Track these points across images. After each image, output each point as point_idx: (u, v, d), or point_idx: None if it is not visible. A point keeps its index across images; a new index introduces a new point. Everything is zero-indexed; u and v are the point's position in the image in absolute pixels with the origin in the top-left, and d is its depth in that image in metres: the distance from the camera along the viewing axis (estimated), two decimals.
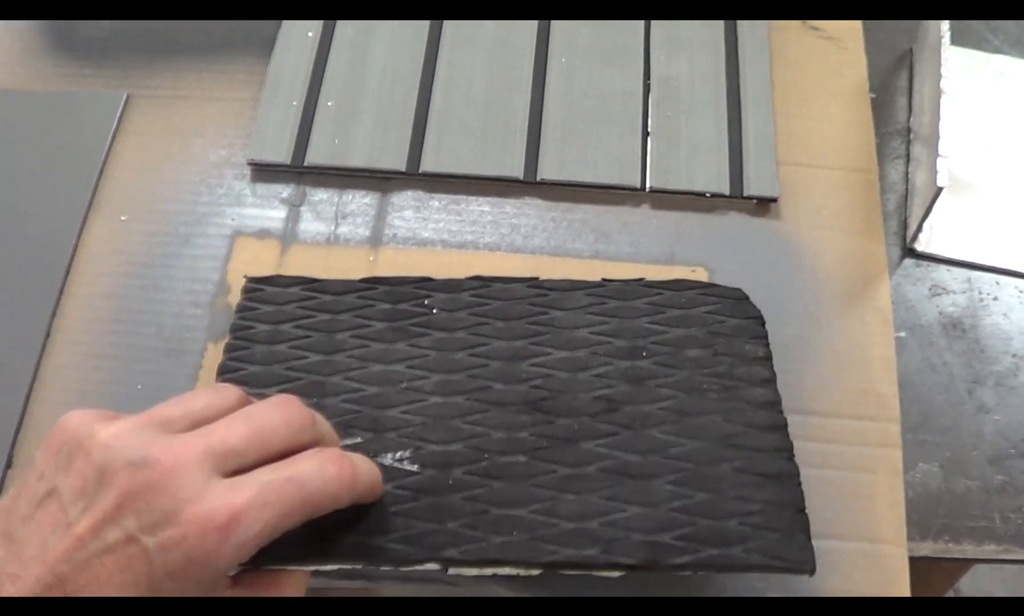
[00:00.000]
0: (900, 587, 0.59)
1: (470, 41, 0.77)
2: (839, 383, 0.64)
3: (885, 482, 0.61)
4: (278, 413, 0.48)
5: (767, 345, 0.62)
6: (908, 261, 0.70)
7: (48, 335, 0.66)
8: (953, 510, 0.62)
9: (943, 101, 0.67)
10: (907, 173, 0.73)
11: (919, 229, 0.69)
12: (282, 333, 0.63)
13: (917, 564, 0.75)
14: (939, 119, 0.66)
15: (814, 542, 0.57)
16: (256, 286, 0.66)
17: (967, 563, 0.97)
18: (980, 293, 0.68)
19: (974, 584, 1.55)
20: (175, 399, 0.49)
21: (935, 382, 0.66)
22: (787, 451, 0.58)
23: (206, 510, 0.43)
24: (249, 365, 0.62)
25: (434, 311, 0.64)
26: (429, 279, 0.66)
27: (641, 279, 0.66)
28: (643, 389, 0.60)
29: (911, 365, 0.66)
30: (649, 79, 0.75)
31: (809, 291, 0.67)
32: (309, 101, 0.74)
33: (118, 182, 0.73)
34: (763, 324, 0.63)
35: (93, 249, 0.70)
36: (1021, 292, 0.68)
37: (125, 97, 0.76)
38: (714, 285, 0.65)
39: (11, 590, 0.43)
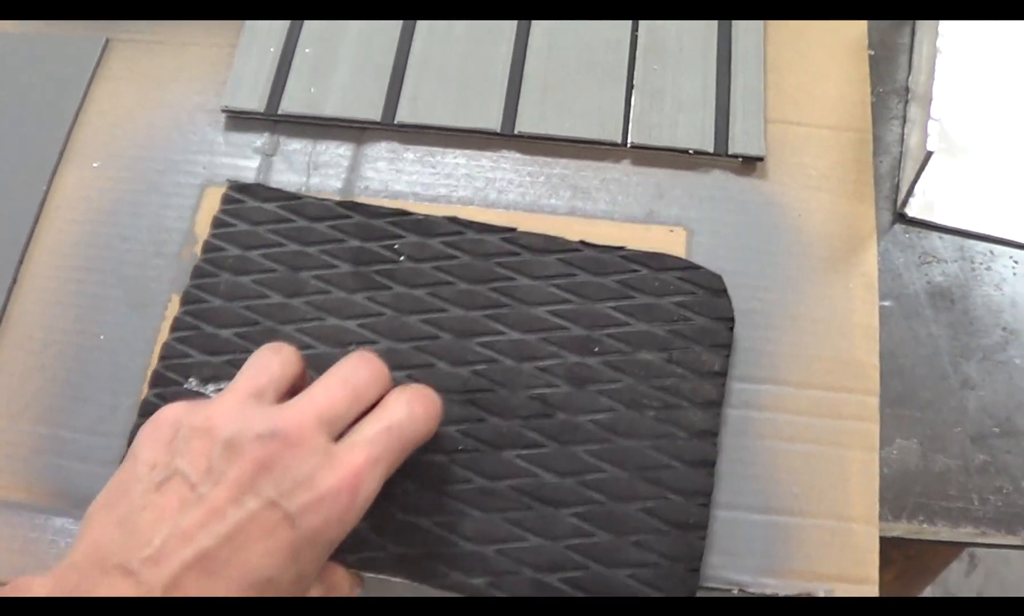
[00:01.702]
0: (868, 568, 0.57)
1: None
2: (817, 352, 0.62)
3: (859, 458, 0.59)
4: (366, 371, 0.51)
5: (726, 357, 0.61)
6: (898, 227, 0.67)
7: (15, 282, 0.66)
8: (929, 489, 0.60)
9: (940, 61, 0.64)
10: (903, 134, 0.70)
11: (910, 193, 0.66)
12: (250, 261, 0.64)
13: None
14: (934, 78, 0.63)
15: (780, 518, 0.57)
16: (236, 196, 0.67)
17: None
18: (972, 262, 0.66)
19: (991, 549, 1.53)
20: (254, 368, 0.51)
21: (919, 354, 0.63)
22: (704, 496, 0.57)
23: (338, 474, 0.46)
24: (213, 298, 0.63)
25: (401, 258, 0.64)
26: (406, 213, 0.65)
27: (621, 248, 0.64)
28: (583, 394, 0.60)
29: (895, 336, 0.63)
30: (637, 30, 0.73)
31: (791, 254, 0.65)
32: (287, 47, 0.72)
33: (92, 128, 0.72)
34: (731, 328, 0.61)
35: (63, 195, 0.69)
36: (1016, 262, 0.66)
37: (104, 41, 0.75)
38: (695, 268, 0.63)
39: (150, 573, 0.42)
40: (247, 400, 0.48)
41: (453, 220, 0.65)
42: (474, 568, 0.55)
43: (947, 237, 0.67)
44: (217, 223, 0.65)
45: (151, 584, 0.42)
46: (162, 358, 0.62)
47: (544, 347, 0.61)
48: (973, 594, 1.51)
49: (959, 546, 0.89)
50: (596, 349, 0.61)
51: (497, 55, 0.72)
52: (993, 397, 0.62)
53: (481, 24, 0.73)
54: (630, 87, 0.70)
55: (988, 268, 0.65)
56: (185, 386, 0.60)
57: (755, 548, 0.57)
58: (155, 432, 0.48)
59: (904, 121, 0.71)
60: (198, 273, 0.64)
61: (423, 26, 0.73)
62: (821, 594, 0.56)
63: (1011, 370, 0.62)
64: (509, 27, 0.73)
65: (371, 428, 0.49)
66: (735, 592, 0.57)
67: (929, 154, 0.61)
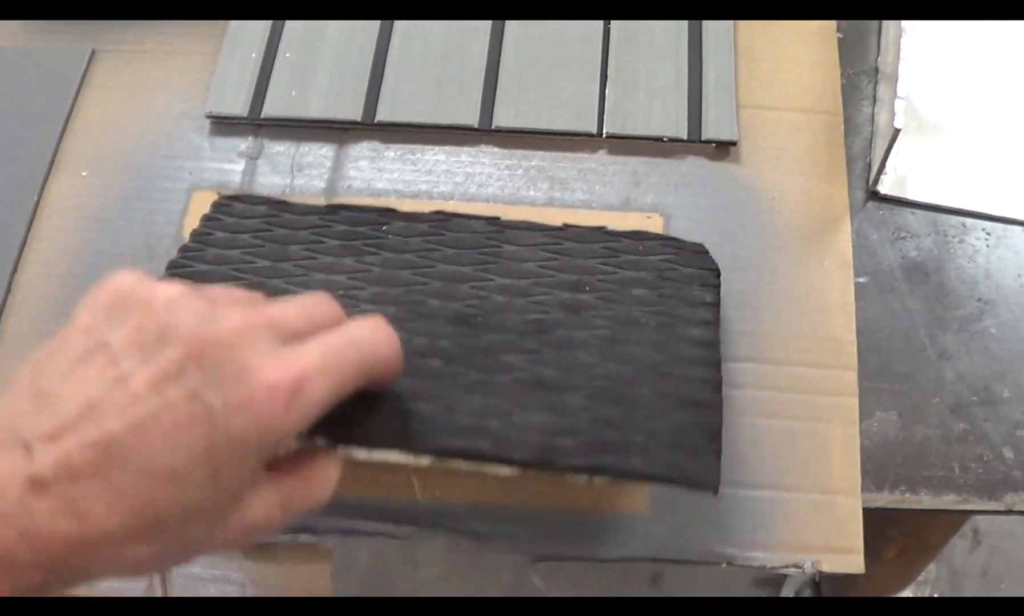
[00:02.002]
0: (852, 539, 0.58)
1: None
2: (796, 330, 0.63)
3: (840, 431, 0.61)
4: (324, 306, 0.47)
5: (717, 293, 0.61)
6: (871, 204, 0.68)
7: (9, 291, 0.67)
8: (911, 460, 0.61)
9: (905, 39, 0.65)
10: (873, 114, 0.71)
11: (881, 171, 0.67)
12: (238, 240, 0.64)
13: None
14: (900, 58, 0.65)
15: (765, 492, 0.58)
16: (225, 202, 0.67)
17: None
18: (945, 236, 0.67)
19: (995, 522, 1.54)
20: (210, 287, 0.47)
21: (895, 328, 0.64)
22: (714, 384, 0.56)
23: (276, 373, 0.42)
24: (198, 263, 0.62)
25: (389, 236, 0.64)
26: (392, 210, 0.66)
27: (603, 228, 0.65)
28: (578, 318, 0.59)
29: (871, 311, 0.65)
30: (609, 23, 0.74)
31: (767, 236, 0.66)
32: (268, 53, 0.74)
33: (81, 137, 0.73)
34: (717, 276, 0.62)
35: (54, 204, 0.70)
36: (988, 235, 0.67)
37: (91, 52, 0.76)
38: (675, 239, 0.64)
39: (45, 451, 0.39)
40: (201, 296, 0.44)
41: (439, 212, 0.66)
42: (477, 435, 0.51)
43: (920, 212, 0.68)
44: (206, 218, 0.66)
45: (41, 462, 0.39)
46: None
47: (534, 288, 0.61)
48: (978, 571, 1.52)
49: (943, 514, 0.90)
50: (587, 288, 0.61)
51: (473, 52, 0.73)
52: (970, 367, 0.63)
53: (457, 23, 0.74)
54: (604, 79, 0.72)
55: (961, 241, 0.67)
56: None
57: (742, 522, 0.59)
58: (98, 296, 0.44)
59: (874, 101, 0.72)
60: (185, 249, 0.63)
61: (400, 27, 0.74)
62: (808, 565, 0.58)
63: (987, 340, 0.64)
64: (484, 25, 0.74)
65: (329, 337, 0.45)
66: (724, 566, 0.58)
67: (897, 131, 0.63)
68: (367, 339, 0.46)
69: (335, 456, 0.48)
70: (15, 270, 0.68)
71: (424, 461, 0.51)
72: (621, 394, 0.54)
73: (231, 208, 0.67)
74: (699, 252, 0.63)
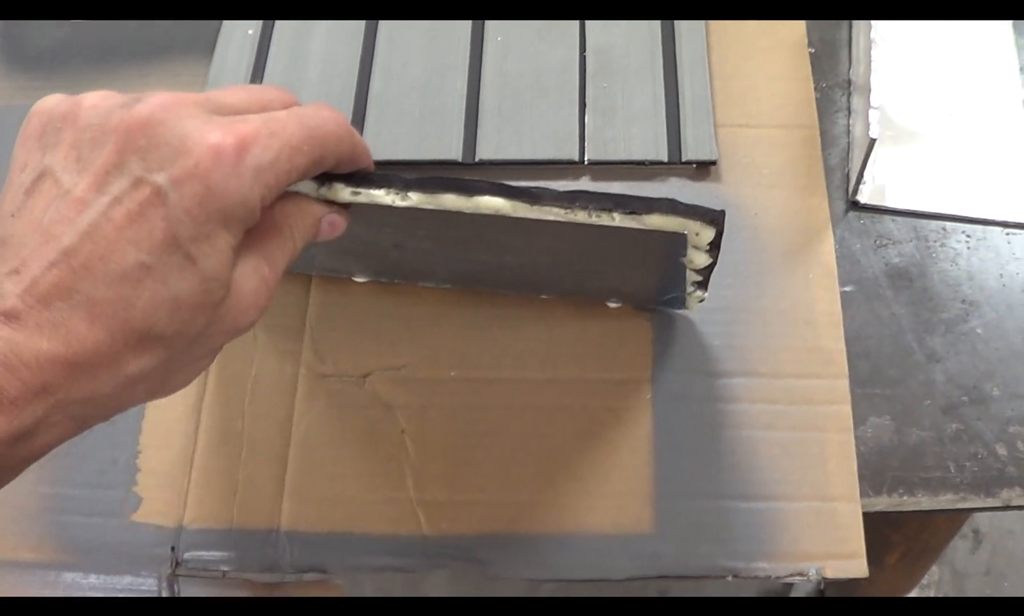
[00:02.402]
0: (854, 544, 0.59)
1: (407, 27, 0.77)
2: (785, 343, 0.64)
3: (835, 439, 0.62)
4: (270, 88, 0.46)
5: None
6: (852, 214, 0.69)
7: None
8: (906, 462, 0.62)
9: (876, 50, 0.66)
10: (848, 126, 0.72)
11: (859, 181, 0.68)
12: None
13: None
14: (872, 70, 0.66)
15: (765, 504, 0.59)
16: None
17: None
18: (927, 241, 0.68)
19: (995, 521, 1.55)
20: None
21: (883, 334, 0.65)
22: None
23: (216, 135, 0.40)
24: None
25: None
26: None
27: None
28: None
29: (858, 319, 0.66)
30: (585, 51, 0.75)
31: (751, 251, 0.67)
32: None
33: None
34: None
35: None
36: (969, 237, 0.68)
37: None
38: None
39: (13, 288, 0.38)
40: (128, 95, 0.42)
41: None
42: (502, 183, 0.49)
43: (900, 219, 0.69)
44: None
45: (8, 295, 0.38)
46: None
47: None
48: (981, 570, 1.52)
49: (942, 514, 0.90)
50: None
51: (452, 88, 0.74)
52: (959, 367, 0.64)
53: (434, 59, 0.76)
54: (583, 106, 0.72)
55: (942, 245, 0.68)
56: None
57: (744, 535, 0.59)
58: (27, 129, 0.43)
59: (849, 113, 0.73)
60: None
61: (379, 66, 0.75)
62: (812, 573, 0.58)
63: (974, 339, 0.65)
64: (463, 58, 0.75)
65: (272, 112, 0.43)
66: (729, 579, 0.59)
67: (872, 141, 0.64)
68: (315, 116, 0.44)
69: (310, 196, 0.47)
70: None
71: (413, 196, 0.48)
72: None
73: None
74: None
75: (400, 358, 0.65)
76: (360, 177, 0.47)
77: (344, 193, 0.47)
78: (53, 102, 0.43)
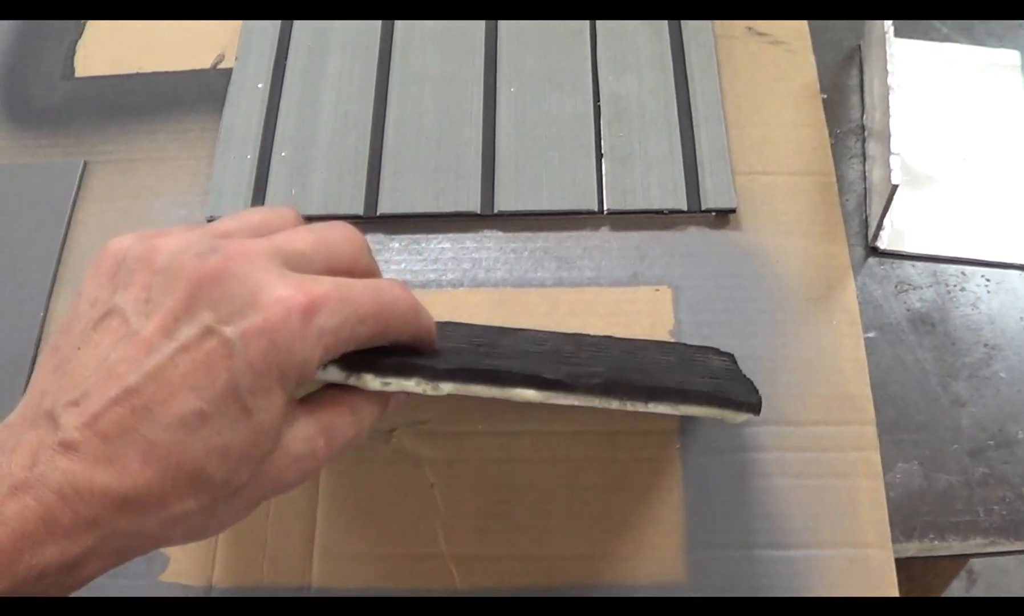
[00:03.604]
0: (888, 590, 0.59)
1: (418, 78, 0.77)
2: (811, 390, 0.64)
3: (865, 485, 0.61)
4: (339, 230, 0.46)
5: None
6: (872, 260, 0.69)
7: None
8: (936, 507, 0.62)
9: (893, 96, 0.67)
10: (864, 171, 0.73)
11: (879, 227, 0.68)
12: None
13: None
14: (890, 115, 0.66)
15: (798, 552, 0.59)
16: None
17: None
18: (947, 286, 0.68)
19: (988, 560, 1.55)
20: (230, 215, 0.46)
21: (908, 379, 0.65)
22: (749, 382, 0.58)
23: (287, 293, 0.41)
24: None
25: None
26: None
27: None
28: (594, 347, 0.59)
29: (883, 364, 0.66)
30: (599, 100, 0.75)
31: (774, 299, 0.67)
32: (263, 153, 0.74)
33: (81, 251, 0.73)
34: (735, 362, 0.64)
35: (61, 320, 0.69)
36: (988, 281, 0.68)
37: (82, 164, 0.76)
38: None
39: (71, 419, 0.39)
40: (204, 233, 0.44)
41: None
42: (502, 361, 0.50)
43: (919, 264, 0.69)
44: None
45: (68, 427, 0.38)
46: None
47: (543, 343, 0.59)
48: None
49: (968, 559, 0.91)
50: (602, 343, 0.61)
51: (467, 138, 0.74)
52: (984, 411, 0.64)
53: (448, 109, 0.75)
54: (599, 156, 0.72)
55: (962, 289, 0.68)
56: None
57: (777, 584, 0.59)
58: (99, 265, 0.44)
59: (864, 158, 0.73)
60: None
61: (392, 118, 0.75)
62: None
63: (998, 383, 0.65)
64: (476, 109, 0.75)
65: (349, 278, 0.44)
66: None
67: (895, 187, 0.64)
68: (387, 290, 0.45)
69: (369, 390, 0.47)
70: (27, 388, 0.67)
71: (445, 388, 0.48)
72: (643, 362, 0.56)
73: None
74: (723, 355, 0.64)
75: (425, 413, 0.64)
76: (391, 366, 0.47)
77: (374, 384, 0.46)
78: (129, 242, 0.43)
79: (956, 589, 1.54)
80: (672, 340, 0.65)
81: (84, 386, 0.39)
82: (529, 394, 0.48)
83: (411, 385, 0.47)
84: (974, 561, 1.55)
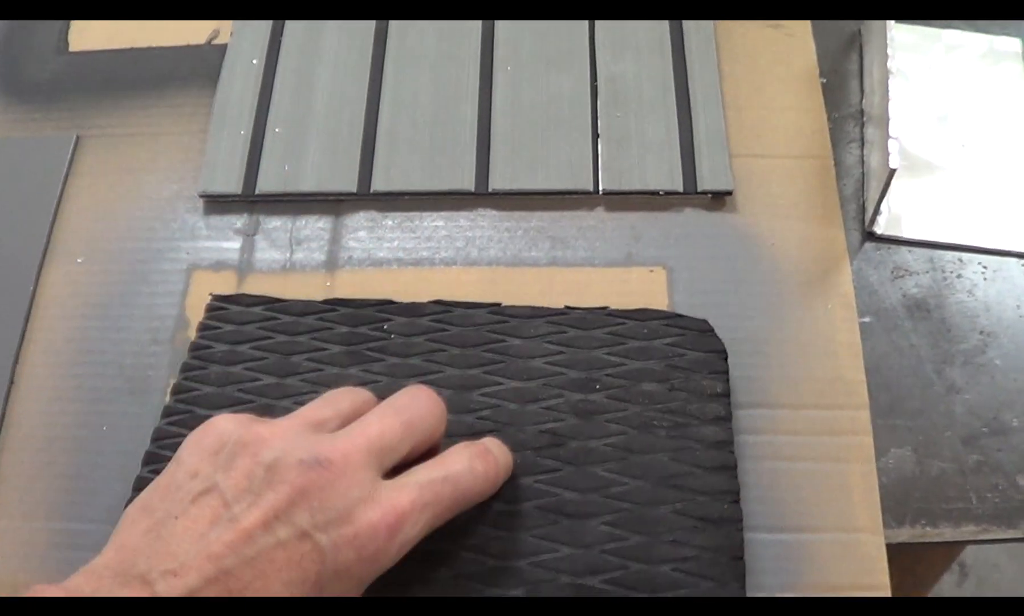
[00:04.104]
0: (879, 576, 0.59)
1: (414, 56, 0.77)
2: (805, 373, 0.64)
3: (858, 470, 0.61)
4: (421, 402, 0.51)
5: (726, 381, 0.62)
6: (868, 245, 0.69)
7: (12, 382, 0.66)
8: (929, 493, 0.61)
9: (893, 81, 0.66)
10: (862, 156, 0.73)
11: (876, 212, 0.68)
12: (239, 354, 0.64)
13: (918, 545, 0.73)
14: (889, 100, 0.66)
15: (790, 535, 0.58)
16: (220, 304, 0.67)
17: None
18: (943, 272, 0.68)
19: (980, 555, 1.55)
20: (321, 400, 0.52)
21: (903, 365, 0.65)
22: (732, 494, 0.58)
23: (378, 510, 0.45)
24: (203, 385, 0.63)
25: (392, 336, 0.64)
26: (391, 302, 0.66)
27: (605, 308, 0.65)
28: (592, 424, 0.60)
29: (877, 350, 0.65)
30: (596, 81, 0.75)
31: (770, 282, 0.67)
32: (257, 129, 0.74)
33: (72, 224, 0.72)
34: (725, 359, 0.63)
35: (51, 293, 0.69)
36: (985, 268, 0.68)
37: (75, 138, 0.76)
38: (679, 316, 0.65)
39: (167, 586, 0.42)
40: (304, 427, 0.48)
41: (438, 302, 0.66)
42: (508, 582, 0.54)
43: (916, 250, 0.69)
44: (203, 327, 0.66)
45: (170, 595, 0.42)
46: (155, 440, 0.61)
47: (545, 390, 0.61)
48: None
49: (961, 547, 0.90)
50: (597, 386, 0.61)
51: (463, 116, 0.73)
52: (979, 399, 0.64)
53: (443, 87, 0.75)
54: (596, 136, 0.72)
55: (959, 276, 0.68)
56: None
57: (768, 567, 0.58)
58: (203, 440, 0.48)
59: (862, 143, 0.73)
60: (187, 368, 0.64)
61: (387, 97, 0.75)
62: None
63: (993, 371, 0.65)
64: (472, 88, 0.75)
65: (426, 473, 0.49)
66: None
67: (892, 171, 0.64)
68: (466, 473, 0.51)
69: None
70: (16, 361, 0.67)
71: None
72: (642, 516, 0.56)
73: (227, 312, 0.66)
74: (704, 332, 0.64)
75: None
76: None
77: None
78: (233, 425, 0.48)
79: (947, 583, 1.54)
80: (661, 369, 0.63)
81: (182, 559, 0.42)
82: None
83: None
84: (966, 555, 1.55)
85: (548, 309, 0.65)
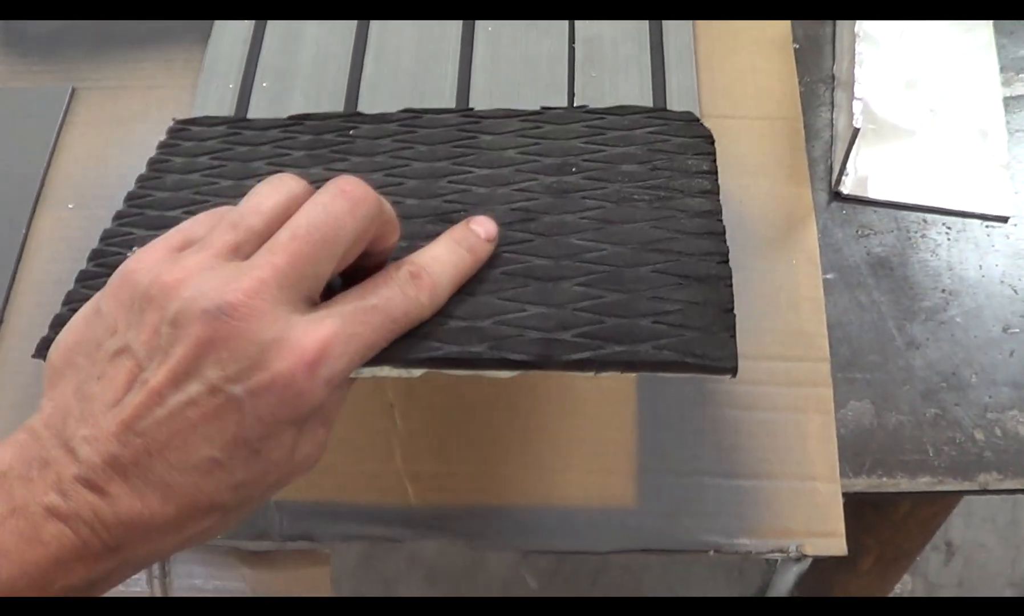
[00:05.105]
0: (834, 523, 0.60)
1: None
2: (768, 326, 0.65)
3: (816, 420, 0.63)
4: (342, 204, 0.46)
5: (713, 161, 0.60)
6: (835, 204, 0.71)
7: (2, 322, 0.68)
8: (886, 445, 0.63)
9: (860, 45, 0.68)
10: (832, 120, 0.74)
11: (843, 171, 0.70)
12: (197, 163, 0.63)
13: (893, 512, 0.76)
14: (856, 63, 0.67)
15: (747, 481, 0.59)
16: (182, 127, 0.67)
17: (944, 508, 0.98)
18: (908, 232, 0.69)
19: (968, 533, 1.56)
20: (236, 214, 0.46)
21: (864, 320, 0.67)
22: (720, 255, 0.54)
23: (293, 349, 0.43)
24: (157, 192, 0.61)
25: (356, 141, 0.63)
26: (359, 114, 0.66)
27: (584, 107, 0.66)
28: (566, 200, 0.56)
29: (840, 305, 0.67)
30: (574, 42, 0.76)
31: (736, 238, 0.67)
32: (245, 83, 0.75)
33: (65, 172, 0.75)
34: (711, 142, 0.61)
35: (42, 238, 0.72)
36: (949, 229, 0.69)
37: (71, 90, 0.78)
38: (663, 110, 0.64)
39: (88, 452, 0.41)
40: (215, 259, 0.45)
41: (408, 110, 0.65)
42: (469, 339, 0.49)
43: (881, 210, 0.70)
44: (162, 145, 0.65)
45: (91, 462, 0.41)
46: (102, 239, 0.59)
47: (517, 175, 0.58)
48: (954, 582, 1.54)
49: (917, 519, 0.92)
50: (573, 169, 0.59)
51: (443, 73, 0.75)
52: (938, 354, 0.65)
53: (426, 45, 0.77)
54: (572, 95, 0.73)
55: (923, 236, 0.69)
56: (128, 255, 0.53)
57: (726, 510, 0.60)
58: (119, 291, 0.45)
59: (832, 107, 0.75)
60: (141, 179, 0.63)
61: (372, 51, 0.76)
62: (792, 549, 0.59)
63: (953, 328, 0.66)
64: (453, 47, 0.76)
65: (351, 302, 0.46)
66: (711, 554, 0.60)
67: (856, 130, 0.65)
68: (398, 300, 0.47)
69: None
70: (6, 303, 0.69)
71: (417, 372, 0.49)
72: (621, 276, 0.52)
73: (188, 132, 0.66)
74: (689, 120, 0.62)
75: None
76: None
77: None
78: (143, 269, 0.45)
79: (934, 562, 1.55)
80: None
81: (101, 424, 0.42)
82: (503, 374, 0.50)
83: (387, 371, 0.49)
84: (952, 534, 1.56)
85: (522, 111, 0.65)
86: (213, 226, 0.47)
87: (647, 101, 0.72)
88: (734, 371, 0.50)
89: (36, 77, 0.79)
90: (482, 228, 0.52)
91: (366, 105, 0.73)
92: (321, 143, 0.63)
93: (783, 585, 1.44)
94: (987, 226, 0.69)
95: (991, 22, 0.77)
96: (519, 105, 0.71)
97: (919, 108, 0.73)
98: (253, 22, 0.79)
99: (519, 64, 0.75)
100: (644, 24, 0.77)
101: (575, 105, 0.71)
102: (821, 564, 1.22)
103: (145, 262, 0.45)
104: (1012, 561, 1.55)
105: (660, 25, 0.76)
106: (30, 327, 0.68)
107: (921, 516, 0.96)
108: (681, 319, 0.50)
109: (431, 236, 0.52)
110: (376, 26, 0.78)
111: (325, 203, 0.46)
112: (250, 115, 0.73)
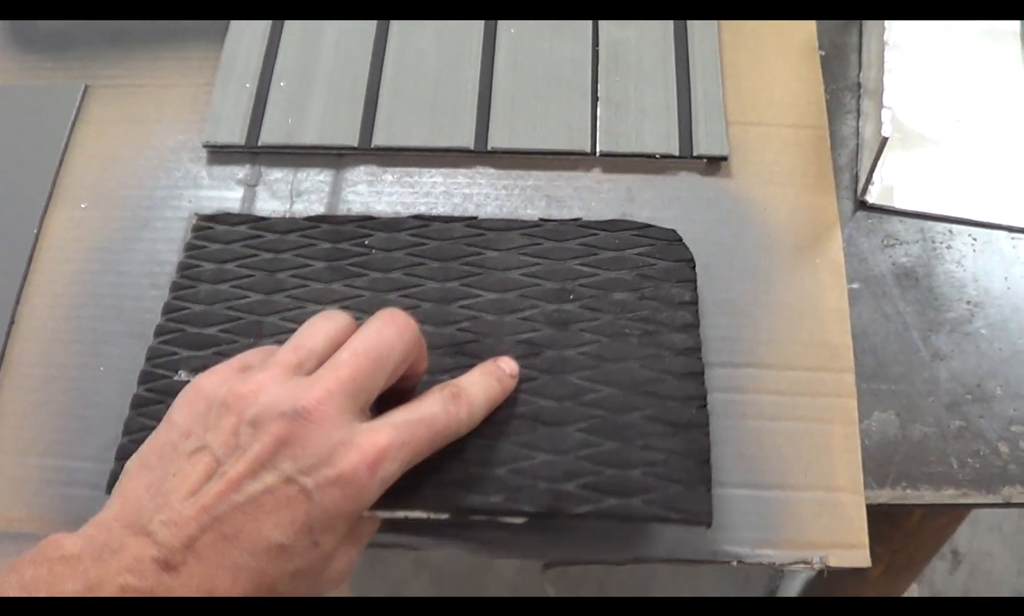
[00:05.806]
0: (858, 535, 0.59)
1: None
2: (792, 336, 0.65)
3: (840, 431, 0.62)
4: (392, 330, 0.53)
5: (694, 289, 0.63)
6: (860, 214, 0.70)
7: (13, 322, 0.67)
8: (910, 457, 0.62)
9: (889, 54, 0.67)
10: (858, 127, 0.73)
11: (869, 181, 0.69)
12: (226, 272, 0.66)
13: (905, 522, 0.75)
14: (884, 71, 0.67)
15: (771, 492, 0.59)
16: (206, 224, 0.68)
17: (956, 518, 0.98)
18: (933, 242, 0.69)
19: (974, 542, 1.56)
20: (298, 337, 0.54)
21: (889, 331, 0.66)
22: (699, 399, 0.59)
23: (357, 450, 0.48)
24: (193, 304, 0.65)
25: (372, 251, 0.66)
26: (371, 217, 0.68)
27: (578, 219, 0.67)
28: (566, 333, 0.62)
29: (865, 316, 0.66)
30: (598, 46, 0.76)
31: (761, 247, 0.68)
32: (262, 82, 0.75)
33: (78, 171, 0.74)
34: (693, 267, 0.64)
35: (54, 237, 0.71)
36: (974, 240, 0.69)
37: (83, 88, 0.77)
38: (648, 226, 0.66)
39: (167, 535, 0.45)
40: (282, 375, 0.50)
41: (417, 216, 0.68)
42: (488, 488, 0.56)
43: (907, 220, 0.70)
44: (190, 247, 0.67)
45: (170, 544, 0.45)
46: (148, 359, 0.63)
47: (522, 301, 0.64)
48: (959, 591, 1.54)
49: (928, 529, 0.91)
50: (571, 296, 0.63)
51: (465, 76, 0.75)
52: (963, 366, 0.65)
53: (448, 48, 0.76)
54: (595, 99, 0.73)
55: (948, 247, 0.68)
56: (175, 379, 0.61)
57: (750, 522, 0.60)
58: (193, 402, 0.51)
59: (858, 115, 0.74)
60: (176, 287, 0.66)
61: (392, 54, 0.76)
62: (816, 561, 0.59)
63: (978, 340, 0.65)
64: (475, 49, 0.76)
65: (402, 415, 0.52)
66: (734, 564, 0.59)
67: (885, 139, 0.64)
68: (440, 415, 0.53)
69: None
70: (18, 301, 0.68)
71: (443, 516, 0.55)
72: (615, 423, 0.58)
73: (213, 231, 0.68)
74: (673, 241, 0.65)
75: None
76: (399, 500, 0.54)
77: (383, 513, 0.54)
78: (218, 384, 0.51)
79: (940, 570, 1.54)
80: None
81: (179, 510, 0.46)
82: (516, 521, 0.56)
83: (416, 513, 0.55)
84: (959, 543, 1.55)
85: (523, 221, 0.67)
86: (270, 353, 0.53)
87: (672, 108, 0.72)
88: (709, 524, 0.56)
89: (48, 74, 0.78)
90: (508, 366, 0.59)
91: (386, 108, 0.73)
92: (339, 253, 0.67)
93: (790, 592, 1.44)
94: (1013, 237, 0.69)
95: (1019, 33, 0.76)
96: (542, 110, 0.71)
97: (945, 117, 0.72)
98: (271, 22, 0.78)
99: (542, 68, 0.75)
100: (669, 30, 0.76)
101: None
102: (830, 572, 1.22)
103: (214, 380, 0.52)
104: (1018, 570, 1.55)
105: (685, 32, 0.76)
106: (41, 329, 0.67)
107: (933, 526, 0.96)
108: (666, 470, 0.57)
109: (449, 369, 0.60)
110: (397, 26, 0.77)
111: (378, 328, 0.53)
112: (267, 116, 0.73)
